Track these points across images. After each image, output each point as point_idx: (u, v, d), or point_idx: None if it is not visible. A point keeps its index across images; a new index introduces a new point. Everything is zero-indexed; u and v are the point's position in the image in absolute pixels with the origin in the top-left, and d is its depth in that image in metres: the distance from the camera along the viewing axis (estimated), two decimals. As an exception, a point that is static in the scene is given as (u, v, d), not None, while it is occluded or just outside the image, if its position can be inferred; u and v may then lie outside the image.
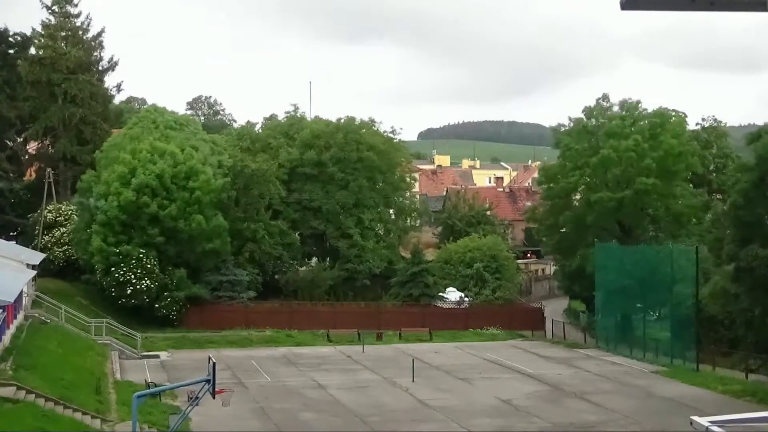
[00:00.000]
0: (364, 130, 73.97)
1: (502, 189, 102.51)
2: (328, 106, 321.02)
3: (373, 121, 75.56)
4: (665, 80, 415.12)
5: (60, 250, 63.40)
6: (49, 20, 74.56)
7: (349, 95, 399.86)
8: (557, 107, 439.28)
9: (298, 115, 78.95)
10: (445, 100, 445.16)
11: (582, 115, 66.51)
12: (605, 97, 66.19)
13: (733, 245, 42.99)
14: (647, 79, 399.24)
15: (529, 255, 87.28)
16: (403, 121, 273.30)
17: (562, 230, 66.37)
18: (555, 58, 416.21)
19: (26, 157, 75.89)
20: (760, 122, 51.99)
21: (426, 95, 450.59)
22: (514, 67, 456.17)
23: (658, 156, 60.70)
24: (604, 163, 61.31)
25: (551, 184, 66.66)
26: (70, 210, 65.13)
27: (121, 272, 55.19)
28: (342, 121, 74.47)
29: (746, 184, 42.59)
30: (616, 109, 65.95)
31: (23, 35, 72.68)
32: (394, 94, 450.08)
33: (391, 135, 76.52)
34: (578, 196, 66.45)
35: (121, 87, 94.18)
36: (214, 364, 24.94)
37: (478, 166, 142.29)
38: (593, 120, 66.10)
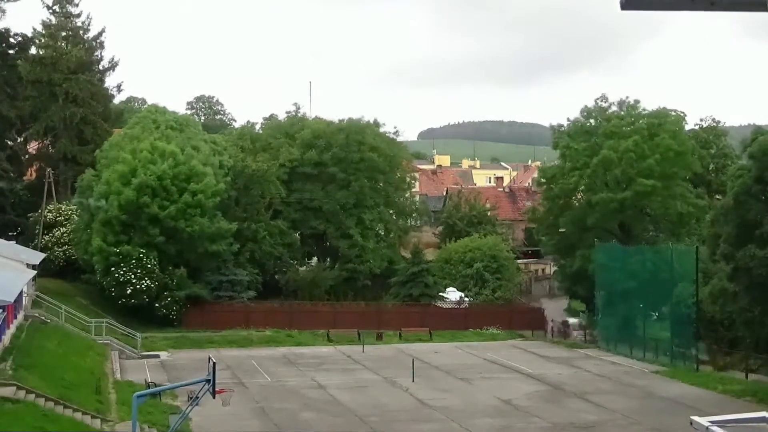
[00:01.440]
0: (367, 131, 74.00)
1: (502, 189, 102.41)
2: (329, 100, 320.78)
3: (377, 122, 75.69)
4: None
5: (60, 249, 63.41)
6: (50, 20, 74.64)
7: (349, 81, 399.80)
8: (557, 105, 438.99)
9: (300, 114, 79.07)
10: (453, 76, 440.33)
11: (581, 116, 66.50)
12: (604, 98, 66.25)
13: (730, 244, 43.04)
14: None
15: (528, 254, 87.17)
16: (404, 114, 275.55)
17: (562, 230, 66.37)
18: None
19: (26, 156, 75.89)
20: (759, 122, 52.10)
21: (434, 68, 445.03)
22: (542, 37, 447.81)
23: (658, 158, 60.66)
24: (604, 164, 61.27)
25: (551, 185, 66.59)
26: (70, 210, 65.12)
27: (121, 272, 55.16)
28: (344, 121, 74.52)
29: (743, 186, 42.62)
30: (614, 109, 65.92)
31: (24, 35, 72.67)
32: (394, 73, 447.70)
33: (392, 136, 76.67)
34: (578, 197, 66.43)
35: (122, 87, 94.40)
36: (214, 364, 24.91)
37: (478, 166, 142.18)
38: (592, 121, 66.10)
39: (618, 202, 60.73)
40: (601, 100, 65.99)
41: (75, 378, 36.27)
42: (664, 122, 63.35)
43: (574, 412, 35.91)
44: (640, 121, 63.65)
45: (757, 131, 46.19)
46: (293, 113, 79.28)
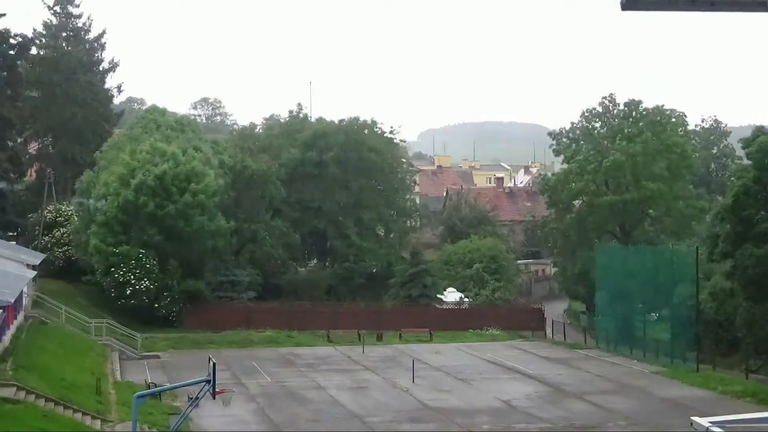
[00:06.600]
0: (366, 131, 74.05)
1: (502, 189, 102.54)
2: (329, 100, 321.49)
3: (374, 122, 75.71)
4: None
5: (60, 250, 63.32)
6: (51, 20, 74.68)
7: (349, 81, 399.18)
8: (557, 106, 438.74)
9: (301, 115, 79.12)
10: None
11: (585, 117, 66.35)
12: (611, 98, 66.00)
13: (728, 243, 43.06)
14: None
15: (528, 254, 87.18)
16: (404, 114, 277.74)
17: (562, 232, 66.32)
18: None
19: (27, 157, 75.86)
20: (760, 123, 51.93)
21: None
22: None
23: (666, 162, 60.58)
24: (615, 168, 60.96)
25: (554, 192, 66.26)
26: (70, 210, 65.10)
27: (121, 272, 55.09)
28: (344, 121, 74.57)
29: (742, 187, 42.59)
30: (620, 108, 65.70)
31: (24, 36, 72.61)
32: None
33: (391, 136, 76.70)
34: (581, 200, 66.29)
35: (122, 88, 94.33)
36: (214, 364, 24.87)
37: (478, 166, 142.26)
38: (597, 124, 65.91)
39: (620, 204, 60.67)
40: (608, 100, 65.77)
41: (75, 378, 36.26)
42: (669, 125, 63.19)
43: (574, 413, 35.90)
44: (646, 127, 63.02)
45: (758, 130, 46.03)
46: (295, 113, 79.35)
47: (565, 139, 67.00)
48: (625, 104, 65.34)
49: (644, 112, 64.95)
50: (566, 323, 63.93)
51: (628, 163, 60.55)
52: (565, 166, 67.01)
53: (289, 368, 46.70)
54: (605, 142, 64.38)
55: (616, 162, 60.65)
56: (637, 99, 65.60)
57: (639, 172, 60.75)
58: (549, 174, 76.62)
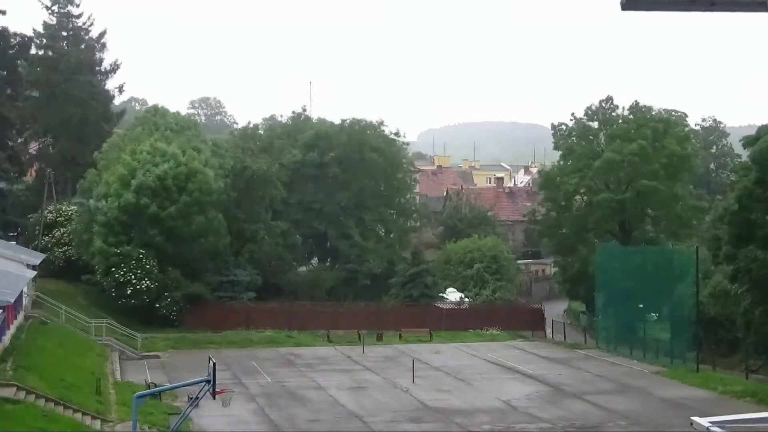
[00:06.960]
0: (369, 131, 73.97)
1: (502, 189, 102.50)
2: (329, 100, 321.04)
3: (382, 122, 75.61)
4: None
5: (60, 250, 63.32)
6: (51, 20, 74.64)
7: (349, 81, 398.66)
8: (557, 106, 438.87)
9: (303, 116, 79.06)
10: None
11: (584, 117, 66.28)
12: (609, 99, 65.94)
13: (731, 246, 42.98)
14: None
15: (528, 254, 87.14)
16: (404, 116, 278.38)
17: (562, 231, 66.28)
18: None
19: (27, 157, 75.84)
20: (759, 123, 51.60)
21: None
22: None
23: (664, 162, 60.55)
24: (607, 166, 61.02)
25: (552, 187, 66.34)
26: (70, 210, 65.09)
27: (122, 272, 55.12)
28: (346, 122, 74.51)
29: (744, 189, 42.54)
30: (619, 111, 65.70)
31: (24, 36, 72.63)
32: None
33: (397, 138, 76.70)
34: (579, 198, 66.28)
35: (123, 88, 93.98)
36: (214, 364, 24.86)
37: (478, 166, 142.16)
38: (595, 123, 65.87)
39: (618, 203, 60.63)
40: (606, 102, 65.71)
41: (75, 378, 36.26)
42: (671, 128, 63.08)
43: (574, 413, 35.89)
44: (645, 127, 62.97)
45: (761, 129, 45.79)
46: (298, 113, 79.29)
47: (562, 133, 66.87)
48: (629, 108, 65.22)
49: (647, 114, 64.85)
50: (566, 323, 63.95)
51: (626, 161, 60.45)
52: (562, 162, 67.09)
53: (289, 368, 46.70)
54: (599, 143, 64.29)
55: (608, 161, 60.54)
56: (641, 104, 65.44)
57: (637, 170, 60.65)
58: (547, 165, 76.65)
